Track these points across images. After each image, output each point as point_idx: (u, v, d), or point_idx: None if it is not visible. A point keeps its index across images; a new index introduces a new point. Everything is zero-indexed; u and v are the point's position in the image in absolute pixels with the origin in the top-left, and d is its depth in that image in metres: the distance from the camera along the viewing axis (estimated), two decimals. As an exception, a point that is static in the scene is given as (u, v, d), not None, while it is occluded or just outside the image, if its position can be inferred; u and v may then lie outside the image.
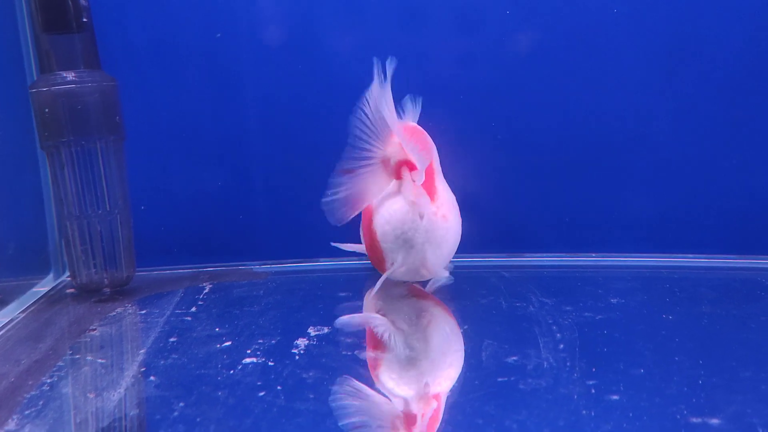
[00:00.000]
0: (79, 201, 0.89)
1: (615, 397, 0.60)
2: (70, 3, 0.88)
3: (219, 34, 0.99)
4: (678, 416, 0.56)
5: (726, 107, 0.98)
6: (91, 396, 0.64)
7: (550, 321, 0.78)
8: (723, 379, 0.63)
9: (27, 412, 0.60)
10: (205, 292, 0.93)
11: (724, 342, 0.72)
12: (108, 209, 0.90)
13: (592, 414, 0.58)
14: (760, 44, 0.97)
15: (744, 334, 0.74)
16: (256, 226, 1.05)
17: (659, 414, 0.57)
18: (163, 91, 1.00)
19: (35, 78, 0.95)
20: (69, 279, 0.97)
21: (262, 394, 0.63)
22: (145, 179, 1.01)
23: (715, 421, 0.56)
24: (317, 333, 0.77)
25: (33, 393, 0.64)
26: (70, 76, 0.88)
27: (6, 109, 0.92)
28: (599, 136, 1.00)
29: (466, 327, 0.79)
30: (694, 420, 0.56)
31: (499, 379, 0.65)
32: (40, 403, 0.62)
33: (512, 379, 0.65)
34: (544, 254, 1.03)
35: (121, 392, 0.64)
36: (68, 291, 0.96)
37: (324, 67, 1.01)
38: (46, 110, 0.87)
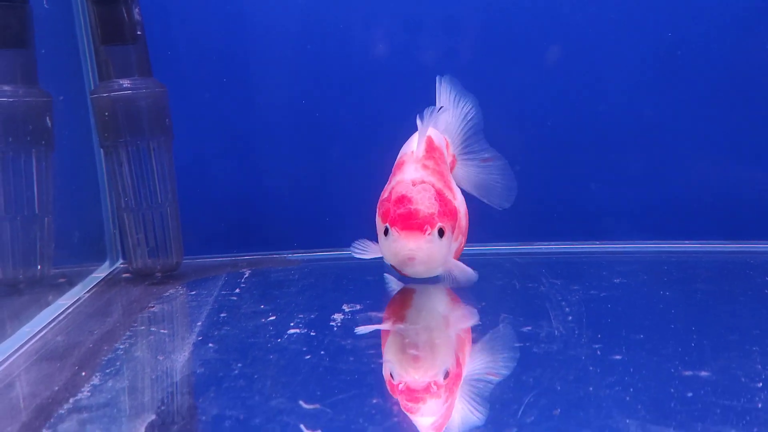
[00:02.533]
0: (135, 194, 0.99)
1: (617, 357, 0.69)
2: (126, 18, 0.98)
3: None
4: (672, 370, 0.65)
5: (720, 102, 1.07)
6: (161, 358, 0.74)
7: (560, 298, 0.87)
8: (712, 341, 0.73)
9: (108, 371, 0.70)
10: (245, 276, 1.03)
11: (715, 312, 0.82)
12: (159, 202, 1.00)
13: (598, 370, 0.67)
14: (752, 40, 1.06)
15: (732, 305, 0.83)
16: (289, 218, 1.15)
17: (656, 369, 0.66)
18: (205, 95, 1.11)
19: (94, 85, 1.06)
20: (123, 265, 1.08)
21: (308, 357, 0.72)
22: (190, 176, 1.11)
23: (704, 373, 0.64)
24: (351, 309, 0.86)
25: (110, 356, 0.74)
26: (126, 83, 0.98)
27: (68, 112, 1.03)
28: (603, 131, 1.10)
29: (483, 304, 0.88)
30: (687, 373, 0.65)
31: (516, 344, 0.75)
32: (118, 363, 0.72)
33: (527, 344, 0.74)
34: (553, 242, 1.12)
35: (186, 355, 0.74)
36: (124, 275, 1.06)
37: (348, 67, 1.11)
38: (106, 114, 0.98)
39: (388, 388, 0.65)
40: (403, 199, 0.82)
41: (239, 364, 0.71)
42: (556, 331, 0.77)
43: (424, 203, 0.81)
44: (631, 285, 0.93)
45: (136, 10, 0.99)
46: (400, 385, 0.65)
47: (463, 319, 0.85)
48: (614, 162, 1.10)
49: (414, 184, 0.83)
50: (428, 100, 0.93)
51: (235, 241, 1.14)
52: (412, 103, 0.90)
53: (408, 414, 0.60)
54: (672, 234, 1.09)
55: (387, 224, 0.82)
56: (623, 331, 0.76)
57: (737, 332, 0.74)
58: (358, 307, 0.87)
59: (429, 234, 0.80)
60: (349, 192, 1.13)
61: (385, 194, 0.87)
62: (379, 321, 0.82)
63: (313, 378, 0.67)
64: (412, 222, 0.80)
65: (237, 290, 0.96)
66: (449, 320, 0.85)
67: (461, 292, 0.90)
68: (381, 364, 0.70)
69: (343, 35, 1.11)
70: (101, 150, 1.03)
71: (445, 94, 0.93)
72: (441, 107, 0.90)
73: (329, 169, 1.14)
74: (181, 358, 0.73)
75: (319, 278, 1.03)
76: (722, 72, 1.07)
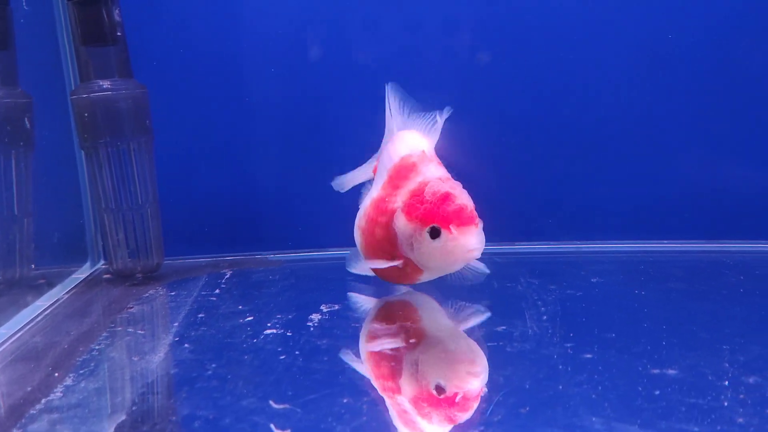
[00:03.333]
0: (115, 195, 0.99)
1: (588, 356, 0.70)
2: (106, 19, 0.98)
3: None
4: (640, 368, 0.66)
5: (697, 105, 1.08)
6: (136, 359, 0.74)
7: (536, 297, 0.88)
8: (682, 339, 0.73)
9: (81, 372, 0.70)
10: (226, 277, 1.03)
11: (687, 311, 0.83)
12: (140, 203, 1.00)
13: (569, 369, 0.67)
14: (733, 43, 1.07)
15: (706, 304, 0.84)
16: (270, 219, 1.15)
17: (625, 367, 0.67)
18: (186, 96, 1.11)
19: (74, 86, 1.06)
20: (104, 266, 1.08)
21: (282, 357, 0.72)
22: (172, 176, 1.11)
23: (672, 371, 0.65)
24: (329, 309, 0.86)
25: (85, 357, 0.74)
26: (106, 84, 0.98)
27: (49, 113, 1.03)
28: (581, 134, 1.10)
29: (460, 303, 0.89)
30: (654, 371, 0.65)
31: (489, 344, 0.75)
32: (92, 364, 0.72)
33: (500, 343, 0.74)
34: (533, 242, 1.13)
35: (161, 356, 0.74)
36: (105, 276, 1.06)
37: (331, 70, 1.11)
38: (86, 114, 0.98)
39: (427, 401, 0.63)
40: (449, 197, 0.77)
41: (213, 365, 0.71)
42: (529, 330, 0.77)
43: (465, 197, 0.78)
44: (608, 284, 0.93)
45: (116, 11, 0.99)
46: (457, 397, 0.63)
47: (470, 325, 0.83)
48: (593, 164, 1.10)
49: (444, 181, 0.79)
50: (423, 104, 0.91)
51: (217, 242, 1.14)
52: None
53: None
54: (650, 234, 1.10)
55: (436, 225, 0.76)
56: (596, 329, 0.77)
57: (708, 331, 0.75)
58: (336, 307, 0.87)
59: (481, 227, 0.77)
60: (333, 193, 1.14)
61: (399, 199, 0.80)
62: (381, 333, 0.80)
63: (286, 378, 0.68)
64: (466, 218, 0.76)
65: (217, 291, 0.97)
66: (460, 328, 0.82)
67: (437, 293, 0.90)
68: (354, 364, 0.71)
69: (328, 35, 1.11)
70: (82, 151, 1.03)
71: (392, 101, 0.89)
72: (447, 108, 0.85)
73: (312, 170, 1.14)
74: (155, 359, 0.73)
75: (300, 279, 1.03)
76: (701, 75, 1.07)
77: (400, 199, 0.80)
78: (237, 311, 0.87)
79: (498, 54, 1.10)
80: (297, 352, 0.73)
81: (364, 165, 0.95)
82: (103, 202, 1.00)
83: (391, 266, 0.82)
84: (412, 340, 0.75)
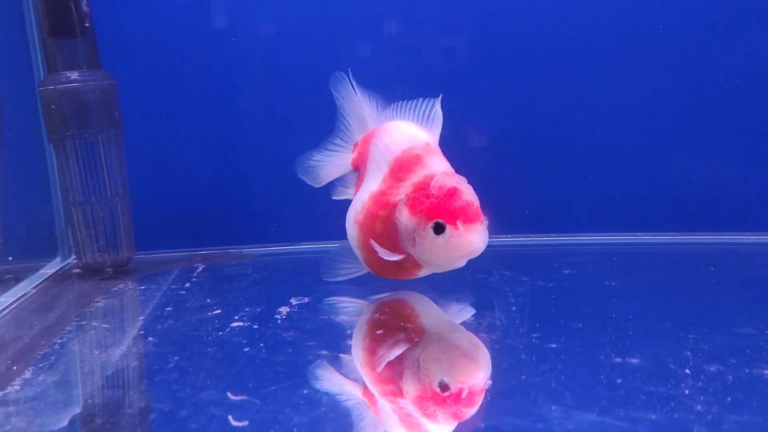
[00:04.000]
0: (83, 189, 0.98)
1: (553, 345, 0.70)
2: (74, 10, 0.97)
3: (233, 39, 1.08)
4: (603, 357, 0.65)
5: (670, 98, 1.08)
6: (97, 352, 0.73)
7: (507, 289, 0.88)
8: (648, 329, 0.73)
9: (41, 365, 0.69)
10: (198, 271, 1.03)
11: (656, 301, 0.83)
12: (109, 196, 0.99)
13: (533, 359, 0.67)
14: (706, 38, 1.07)
15: (674, 295, 0.84)
16: (245, 213, 1.14)
17: (588, 356, 0.67)
18: (159, 88, 1.10)
19: (42, 77, 1.04)
20: (75, 261, 1.07)
21: (246, 350, 0.72)
22: (145, 170, 1.10)
23: (635, 360, 0.65)
24: (299, 302, 0.86)
25: (45, 351, 0.73)
26: (73, 75, 0.97)
27: (17, 105, 1.02)
28: (556, 127, 1.10)
29: (431, 295, 0.88)
30: (617, 360, 0.65)
31: (456, 334, 0.75)
32: (52, 358, 0.71)
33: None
34: (508, 235, 1.12)
35: (123, 349, 0.73)
36: (74, 271, 1.05)
37: (308, 64, 1.10)
38: (53, 107, 0.97)
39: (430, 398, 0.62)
40: (456, 192, 0.75)
41: (176, 358, 0.70)
42: (497, 321, 0.77)
43: (471, 193, 0.76)
44: (579, 276, 0.93)
45: (84, 2, 0.98)
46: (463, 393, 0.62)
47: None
48: (567, 157, 1.10)
49: (449, 175, 0.77)
50: (392, 98, 0.88)
51: (191, 236, 1.13)
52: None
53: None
54: (623, 227, 1.09)
55: (441, 220, 0.74)
56: (563, 320, 0.76)
57: (674, 320, 0.75)
58: (306, 300, 0.87)
59: (485, 224, 0.76)
60: (306, 186, 1.13)
61: (402, 192, 0.78)
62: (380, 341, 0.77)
63: (249, 370, 0.67)
64: (472, 215, 0.74)
65: (187, 285, 0.96)
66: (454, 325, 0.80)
67: (421, 287, 0.89)
68: (319, 356, 0.70)
69: (297, 31, 1.10)
70: (50, 144, 1.02)
71: (358, 88, 0.88)
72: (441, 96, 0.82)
73: (286, 164, 1.13)
74: (117, 353, 0.73)
75: (273, 272, 1.02)
76: (673, 69, 1.07)
77: (403, 192, 0.78)
78: (205, 305, 0.86)
79: (473, 49, 1.10)
80: (261, 345, 0.73)
81: (332, 155, 0.92)
82: (71, 195, 0.99)
83: (390, 260, 0.79)
84: (415, 339, 0.73)
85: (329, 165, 0.92)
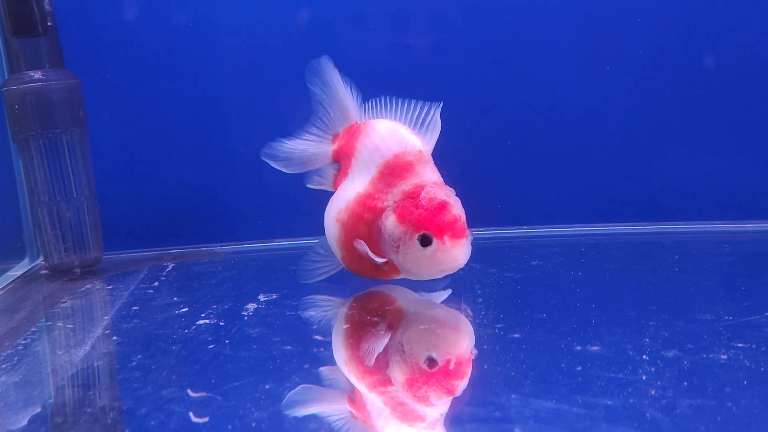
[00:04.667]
0: (48, 189, 0.97)
1: (516, 335, 0.70)
2: (36, 9, 0.96)
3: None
4: (563, 346, 0.66)
5: (636, 91, 1.09)
6: (60, 353, 0.73)
7: (474, 281, 0.88)
8: (610, 317, 0.74)
9: (3, 366, 0.69)
10: (168, 269, 1.02)
11: (620, 289, 0.84)
12: (75, 196, 0.99)
13: (495, 349, 0.68)
14: (674, 32, 1.08)
15: (638, 283, 0.85)
16: (217, 211, 1.14)
17: (549, 345, 0.67)
18: (126, 86, 1.09)
19: (6, 78, 1.03)
20: (43, 262, 1.06)
21: (211, 347, 0.71)
22: (114, 169, 1.10)
23: (595, 348, 0.65)
24: (266, 299, 0.86)
25: (9, 352, 0.72)
26: (37, 75, 0.96)
27: (-21, 107, 1.00)
28: (524, 121, 1.11)
29: (398, 287, 0.88)
30: (577, 348, 0.66)
31: (421, 327, 0.75)
32: (15, 359, 0.71)
33: (432, 326, 0.75)
34: (479, 228, 1.12)
35: (86, 349, 0.73)
36: (42, 272, 1.04)
37: (277, 62, 1.10)
38: (16, 107, 0.96)
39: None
40: (446, 206, 0.75)
41: (139, 356, 0.70)
42: (463, 313, 0.77)
43: (459, 207, 0.76)
44: (546, 267, 0.94)
45: (47, 0, 0.97)
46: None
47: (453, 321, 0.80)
48: (535, 150, 1.11)
49: (440, 187, 0.77)
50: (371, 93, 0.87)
51: (162, 235, 1.12)
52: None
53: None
54: (592, 217, 1.11)
55: (428, 233, 0.74)
56: (527, 310, 0.77)
57: (636, 308, 0.76)
58: (274, 296, 0.87)
59: (469, 239, 0.76)
60: (279, 183, 1.13)
61: (390, 198, 0.77)
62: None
63: (212, 367, 0.67)
64: (459, 230, 0.75)
65: (156, 283, 0.95)
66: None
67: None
68: (283, 351, 0.70)
69: (268, 27, 1.10)
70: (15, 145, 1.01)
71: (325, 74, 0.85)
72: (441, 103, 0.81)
73: (258, 161, 1.12)
74: (80, 353, 0.72)
75: (243, 270, 1.02)
76: (638, 62, 1.09)
77: (391, 199, 0.77)
78: (173, 303, 0.86)
79: (445, 43, 1.10)
80: (227, 341, 0.72)
81: (309, 144, 0.88)
82: (36, 196, 0.98)
83: (375, 261, 0.79)
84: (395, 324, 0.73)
85: (306, 154, 0.88)
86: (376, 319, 0.77)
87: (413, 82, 1.10)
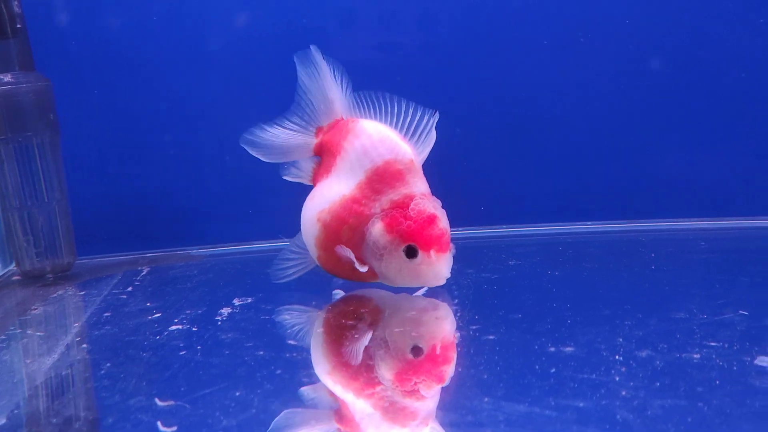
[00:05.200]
0: (19, 193, 0.96)
1: (491, 337, 0.70)
2: (5, 10, 0.95)
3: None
4: (536, 347, 0.66)
5: (613, 91, 1.09)
6: (29, 361, 0.71)
7: (452, 281, 0.86)
8: (585, 317, 0.74)
9: (-31, 377, 0.67)
10: (142, 274, 1.01)
11: (596, 289, 0.84)
12: (46, 201, 0.97)
13: (470, 351, 0.67)
14: (653, 34, 1.08)
15: (615, 281, 0.85)
16: (192, 214, 1.13)
17: (524, 347, 0.67)
18: (98, 89, 1.08)
19: (-26, 81, 1.01)
20: (15, 268, 1.04)
21: (182, 353, 0.70)
22: (87, 173, 1.08)
23: (569, 349, 0.65)
24: (241, 303, 0.85)
25: (-25, 361, 0.71)
26: (6, 77, 0.95)
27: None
28: (504, 121, 1.11)
29: (375, 289, 0.87)
30: (551, 349, 0.65)
31: (396, 329, 0.74)
32: (-19, 369, 0.69)
33: (407, 328, 0.74)
34: (458, 228, 1.11)
35: (55, 357, 0.71)
36: (14, 278, 1.02)
37: (248, 65, 1.09)
38: (-15, 110, 0.94)
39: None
40: (434, 220, 0.75)
41: (108, 364, 0.69)
42: (437, 315, 0.77)
43: (444, 220, 0.77)
44: (524, 266, 0.93)
45: (16, 2, 0.96)
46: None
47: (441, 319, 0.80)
48: (514, 149, 1.11)
49: (428, 199, 0.77)
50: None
51: (137, 238, 1.11)
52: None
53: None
54: (570, 216, 1.11)
55: (413, 244, 0.74)
56: (503, 311, 0.76)
57: (611, 307, 0.75)
58: (249, 300, 0.86)
59: (452, 252, 0.77)
60: (254, 185, 1.12)
61: (378, 206, 0.76)
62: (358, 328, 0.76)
63: (182, 374, 0.66)
64: (445, 244, 0.75)
65: (129, 288, 0.94)
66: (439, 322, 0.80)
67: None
68: (256, 356, 0.69)
69: (242, 30, 1.09)
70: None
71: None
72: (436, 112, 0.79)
73: (232, 163, 1.12)
74: (49, 361, 0.71)
75: (219, 273, 1.01)
76: (615, 61, 1.08)
77: (378, 207, 0.77)
78: (145, 308, 0.85)
79: (423, 41, 1.09)
80: (198, 347, 0.71)
81: (290, 134, 0.85)
82: (7, 200, 0.96)
83: (349, 263, 0.78)
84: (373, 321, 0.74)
85: (287, 144, 0.86)
86: (351, 322, 0.76)
87: (394, 80, 1.09)
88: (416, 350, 0.66)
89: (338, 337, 0.74)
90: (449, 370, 0.61)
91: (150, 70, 1.08)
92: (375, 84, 0.82)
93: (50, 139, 0.97)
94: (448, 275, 0.76)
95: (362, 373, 0.64)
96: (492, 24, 1.09)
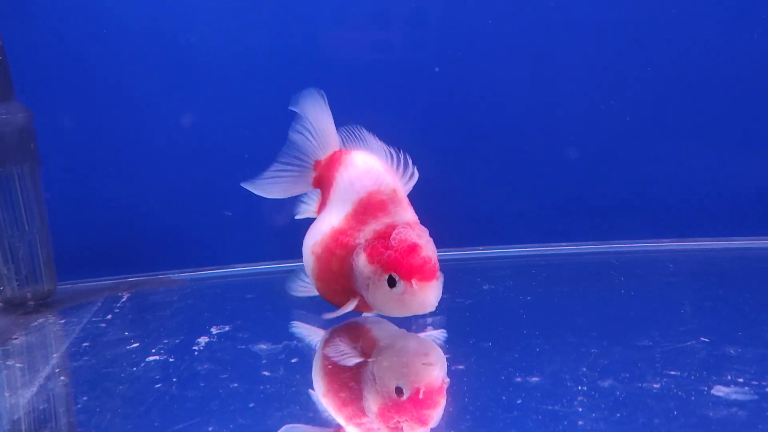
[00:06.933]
0: (0, 224, 0.96)
1: (461, 367, 0.71)
2: (-17, 43, 0.96)
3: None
4: (503, 377, 0.67)
5: (593, 108, 1.11)
6: (7, 395, 0.72)
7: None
8: (553, 345, 0.75)
9: (-55, 413, 0.68)
10: (122, 300, 1.02)
11: (565, 315, 0.85)
12: (27, 230, 0.98)
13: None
14: (627, 56, 1.10)
15: (583, 306, 0.87)
16: (173, 237, 1.14)
17: (491, 377, 0.69)
18: (75, 115, 1.09)
19: (-46, 112, 1.02)
20: (-3, 296, 1.05)
21: (158, 386, 0.71)
22: (67, 199, 1.09)
23: (534, 379, 0.67)
24: (218, 331, 0.86)
25: (-46, 395, 0.72)
26: (-14, 109, 0.96)
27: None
28: (475, 143, 1.12)
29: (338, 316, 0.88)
30: (518, 380, 0.67)
31: (357, 360, 0.75)
32: (-40, 403, 0.70)
33: (379, 358, 0.75)
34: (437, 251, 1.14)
35: (33, 390, 0.72)
36: (-5, 307, 1.04)
37: (227, 83, 1.10)
38: (-34, 141, 0.95)
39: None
40: (415, 248, 0.75)
41: (85, 398, 0.70)
42: (408, 344, 0.79)
43: (430, 248, 0.76)
44: (497, 291, 0.95)
45: (-5, 35, 0.97)
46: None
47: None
48: (488, 170, 1.12)
49: (413, 228, 0.77)
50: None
51: (117, 263, 1.11)
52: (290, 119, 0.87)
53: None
54: (543, 237, 1.12)
55: (395, 274, 0.75)
56: (473, 339, 0.78)
57: (578, 334, 0.77)
58: (227, 328, 0.87)
59: (440, 280, 0.76)
60: (237, 208, 1.13)
61: (362, 236, 0.78)
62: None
63: (156, 408, 0.67)
64: (428, 273, 0.75)
65: (109, 316, 0.95)
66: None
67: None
68: (230, 389, 0.70)
69: (221, 53, 1.10)
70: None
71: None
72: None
73: (214, 185, 1.13)
74: (27, 394, 0.72)
75: (198, 299, 1.02)
76: (589, 84, 1.10)
77: (362, 237, 0.78)
78: (123, 338, 0.85)
79: (390, 56, 1.11)
80: (174, 379, 0.73)
81: (292, 170, 0.88)
82: (-13, 230, 0.97)
83: (346, 294, 0.80)
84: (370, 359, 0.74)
85: (288, 181, 0.89)
86: (329, 351, 0.78)
87: (348, 96, 1.09)
88: (399, 390, 0.67)
89: (311, 368, 0.75)
90: (433, 414, 0.62)
91: (128, 95, 1.09)
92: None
93: (30, 169, 0.98)
94: (435, 303, 0.76)
95: (343, 409, 0.65)
96: (464, 38, 1.09)
